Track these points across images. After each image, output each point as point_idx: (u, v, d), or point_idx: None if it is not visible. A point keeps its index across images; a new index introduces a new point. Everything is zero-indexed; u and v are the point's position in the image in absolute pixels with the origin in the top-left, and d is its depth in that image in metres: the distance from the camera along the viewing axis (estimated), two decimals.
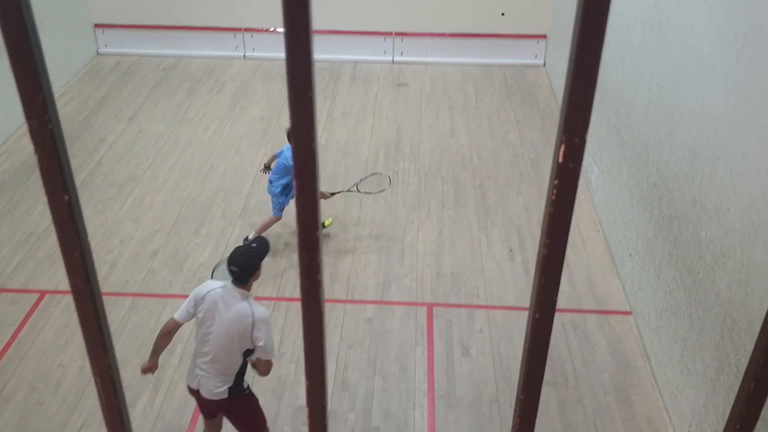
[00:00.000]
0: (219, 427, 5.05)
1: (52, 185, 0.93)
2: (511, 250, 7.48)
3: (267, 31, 11.59)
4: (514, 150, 9.30)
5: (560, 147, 0.87)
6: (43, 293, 6.76)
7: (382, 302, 6.79)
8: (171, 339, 4.75)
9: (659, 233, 6.06)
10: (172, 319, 4.67)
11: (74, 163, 8.80)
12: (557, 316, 6.53)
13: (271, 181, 7.16)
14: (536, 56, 11.62)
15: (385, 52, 11.78)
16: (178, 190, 8.36)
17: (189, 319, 4.66)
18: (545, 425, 5.59)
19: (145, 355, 6.11)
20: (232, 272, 4.52)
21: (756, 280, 4.37)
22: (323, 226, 7.54)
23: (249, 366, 4.72)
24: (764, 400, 1.09)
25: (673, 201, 5.80)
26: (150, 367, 4.81)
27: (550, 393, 5.85)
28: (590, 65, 0.81)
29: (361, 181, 7.87)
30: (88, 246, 1.04)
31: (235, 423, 4.93)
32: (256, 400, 4.94)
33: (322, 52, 11.67)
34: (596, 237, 7.68)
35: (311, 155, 0.91)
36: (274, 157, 7.27)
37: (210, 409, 4.86)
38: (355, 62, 11.72)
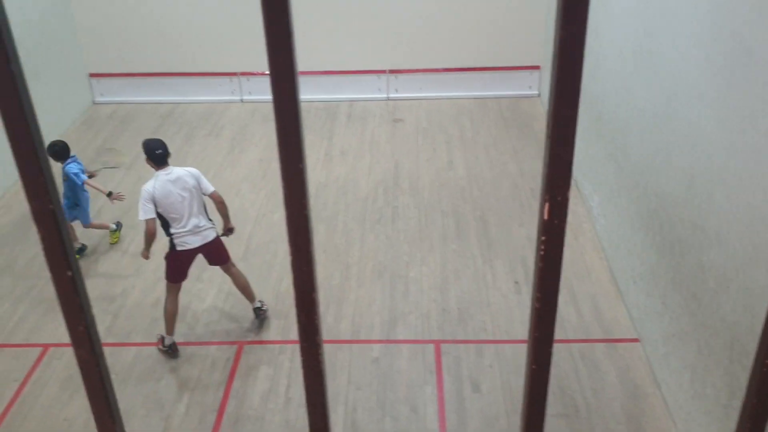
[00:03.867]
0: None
1: (55, 263, 0.94)
2: (516, 282, 7.47)
3: (263, 74, 11.73)
4: (514, 180, 9.34)
5: (545, 205, 0.89)
6: (46, 347, 6.74)
7: (388, 341, 6.76)
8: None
9: (662, 259, 6.06)
10: None
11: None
12: (565, 347, 6.52)
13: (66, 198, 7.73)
14: (530, 87, 11.73)
15: (380, 90, 11.90)
16: None
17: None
18: None
19: (152, 405, 6.09)
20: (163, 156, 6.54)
21: (760, 304, 4.36)
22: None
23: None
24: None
25: (673, 226, 5.81)
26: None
27: (562, 425, 5.80)
28: (568, 131, 0.83)
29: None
30: (92, 318, 1.06)
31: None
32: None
33: (318, 92, 11.80)
34: (600, 265, 7.67)
35: (305, 222, 0.92)
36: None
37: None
38: (351, 101, 11.84)
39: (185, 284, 7.57)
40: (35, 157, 0.82)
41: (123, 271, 7.81)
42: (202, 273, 7.71)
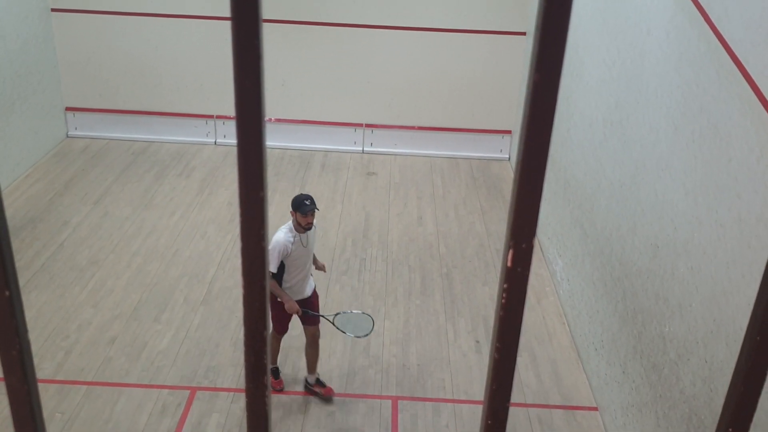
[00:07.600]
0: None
1: None
2: (477, 341, 7.42)
3: None
4: (481, 240, 9.37)
5: (508, 252, 0.87)
6: None
7: (345, 395, 6.63)
8: None
9: (624, 327, 6.07)
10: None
11: (36, 246, 8.65)
12: (523, 411, 6.44)
13: None
14: (501, 151, 11.90)
15: (355, 143, 11.97)
16: (141, 274, 8.22)
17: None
18: None
19: None
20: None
21: (719, 377, 4.36)
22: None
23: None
24: None
25: (636, 295, 5.84)
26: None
27: None
28: (536, 176, 0.81)
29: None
30: (27, 344, 1.00)
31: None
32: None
33: (293, 141, 11.83)
34: (562, 330, 7.67)
35: (261, 254, 0.89)
36: None
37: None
38: (326, 151, 11.88)
39: (143, 323, 7.40)
40: None
41: (80, 305, 7.61)
42: (160, 314, 7.55)
